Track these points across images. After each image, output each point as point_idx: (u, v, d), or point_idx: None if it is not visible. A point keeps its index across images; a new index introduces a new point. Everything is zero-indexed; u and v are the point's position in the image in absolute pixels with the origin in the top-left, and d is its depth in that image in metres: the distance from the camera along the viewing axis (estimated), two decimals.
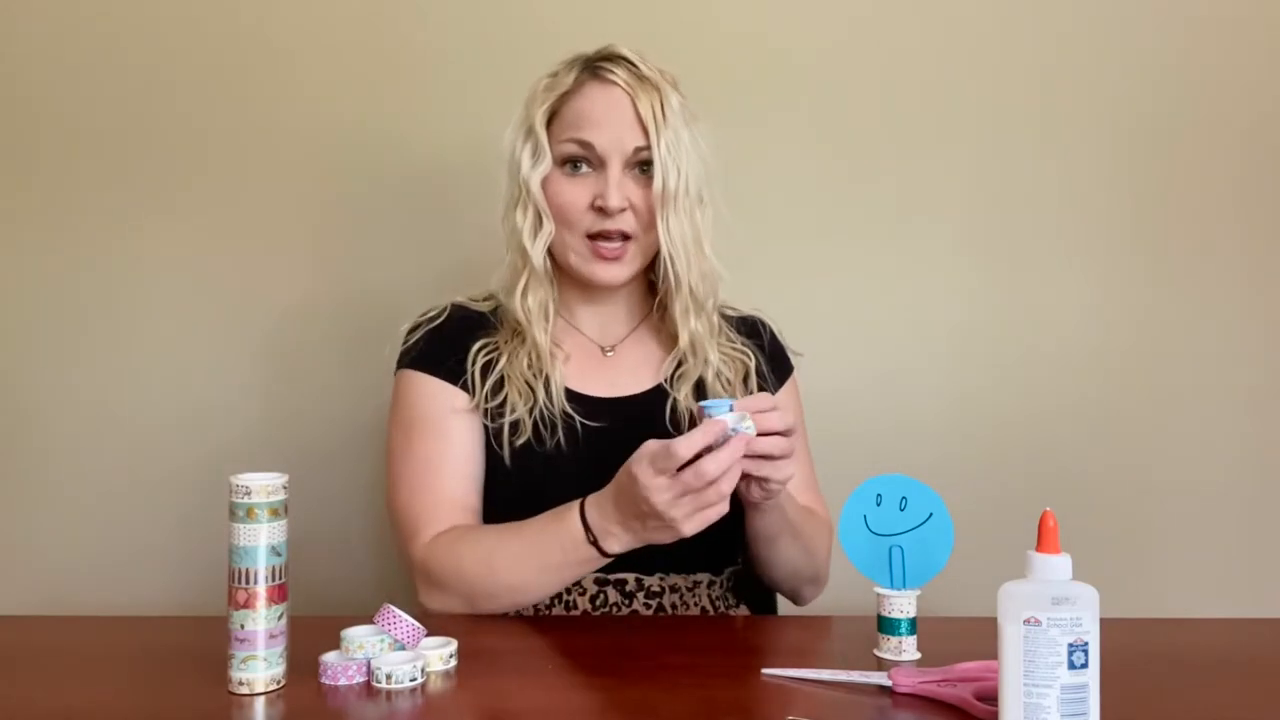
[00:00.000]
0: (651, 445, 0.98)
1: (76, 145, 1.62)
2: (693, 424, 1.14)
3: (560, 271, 1.24)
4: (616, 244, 1.18)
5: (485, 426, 1.20)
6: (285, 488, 0.88)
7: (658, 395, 1.23)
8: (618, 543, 1.05)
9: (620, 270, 1.20)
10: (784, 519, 1.12)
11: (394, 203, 1.63)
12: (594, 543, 1.05)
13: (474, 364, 1.21)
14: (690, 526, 0.99)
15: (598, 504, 1.05)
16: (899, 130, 1.64)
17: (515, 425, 1.18)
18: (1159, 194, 1.65)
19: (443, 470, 1.18)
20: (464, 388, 1.20)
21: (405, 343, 1.25)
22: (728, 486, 0.97)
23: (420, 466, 1.19)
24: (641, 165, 1.18)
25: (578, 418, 1.19)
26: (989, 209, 1.65)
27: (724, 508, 0.99)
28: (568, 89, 1.19)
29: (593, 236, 1.18)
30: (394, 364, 1.26)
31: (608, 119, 1.17)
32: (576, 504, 1.06)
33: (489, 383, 1.20)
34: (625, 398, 1.23)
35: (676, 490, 0.97)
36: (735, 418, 0.98)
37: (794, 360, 1.34)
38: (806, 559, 1.20)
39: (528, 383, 1.19)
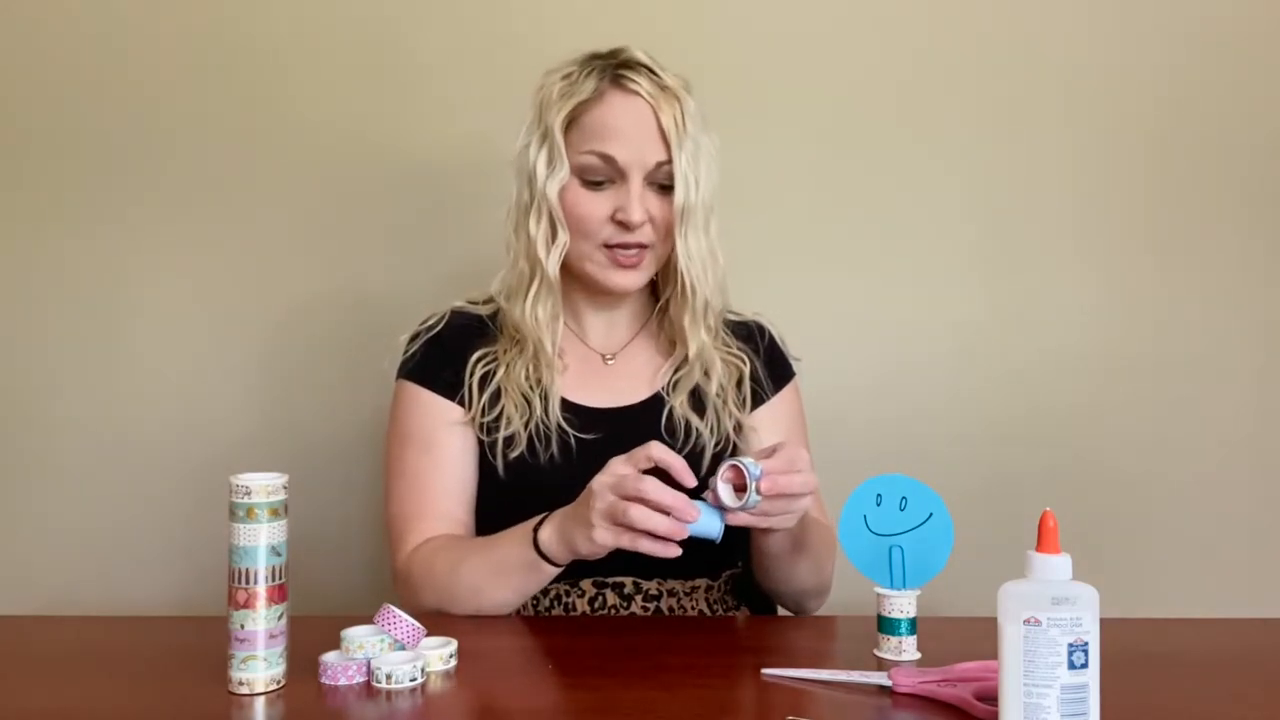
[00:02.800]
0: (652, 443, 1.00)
1: (75, 149, 1.62)
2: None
3: (569, 278, 1.23)
4: (634, 252, 1.18)
5: (480, 440, 1.20)
6: (285, 488, 0.88)
7: (655, 404, 1.23)
8: (548, 534, 1.03)
9: (637, 277, 1.20)
10: (793, 537, 1.10)
11: (394, 206, 1.63)
12: (535, 532, 1.04)
13: (472, 375, 1.21)
14: (601, 531, 0.97)
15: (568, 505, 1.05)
16: (903, 129, 1.64)
17: (510, 439, 1.17)
18: (1162, 193, 1.65)
19: (431, 484, 1.19)
20: (460, 401, 1.21)
21: (405, 352, 1.25)
22: (638, 515, 0.94)
23: (410, 480, 1.19)
24: (661, 178, 1.17)
25: (573, 431, 1.18)
26: (992, 209, 1.65)
27: (634, 542, 0.96)
28: (587, 97, 1.16)
29: (610, 246, 1.18)
30: (393, 373, 1.26)
31: (631, 132, 1.16)
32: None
33: (486, 395, 1.19)
34: (622, 408, 1.23)
35: (614, 480, 0.97)
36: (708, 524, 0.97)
37: (795, 365, 1.33)
38: (815, 575, 1.19)
39: (524, 395, 1.19)
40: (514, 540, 1.07)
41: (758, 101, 1.62)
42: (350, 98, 1.62)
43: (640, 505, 0.95)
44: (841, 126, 1.64)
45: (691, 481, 0.98)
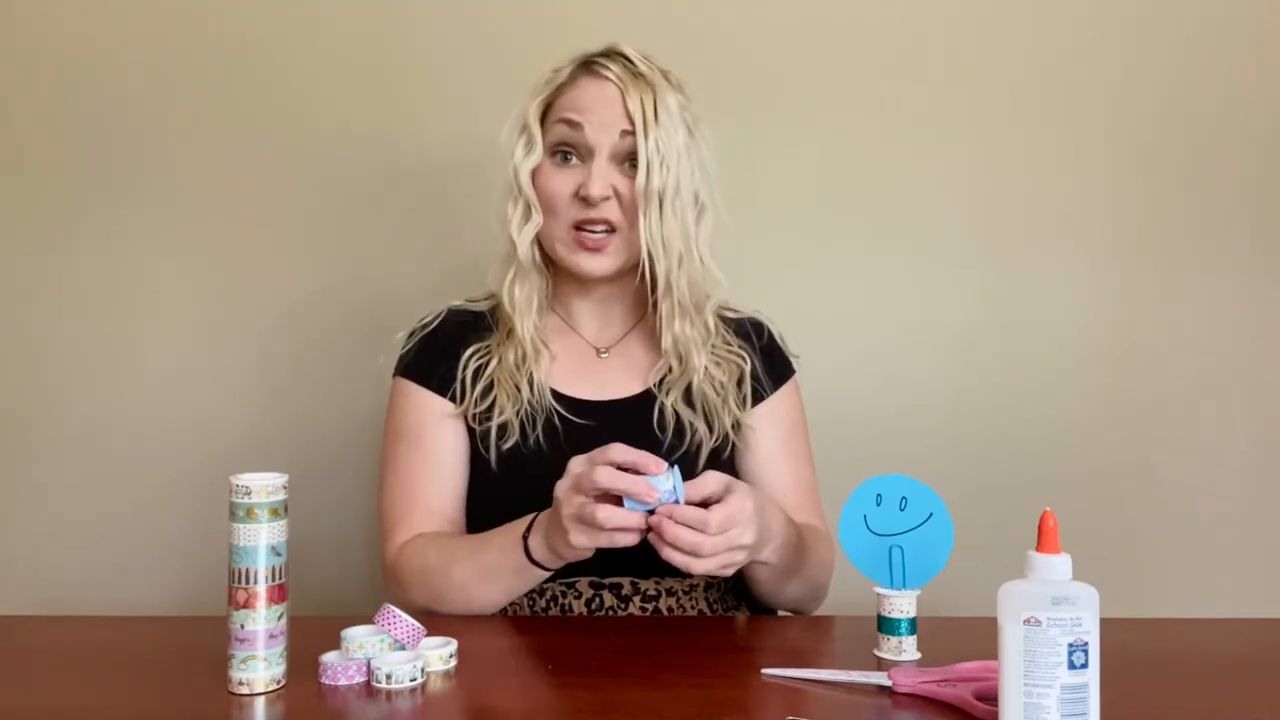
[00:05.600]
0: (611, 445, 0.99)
1: (73, 148, 1.62)
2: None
3: (555, 265, 1.24)
4: (600, 234, 1.18)
5: (473, 431, 1.20)
6: (285, 488, 0.88)
7: (645, 400, 1.23)
8: (536, 540, 1.04)
9: (604, 261, 1.19)
10: (777, 567, 1.09)
11: (395, 204, 1.63)
12: (525, 537, 1.05)
13: (465, 369, 1.21)
14: (575, 534, 0.98)
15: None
16: (902, 129, 1.64)
17: (503, 428, 1.18)
18: (1161, 192, 1.65)
19: (422, 480, 1.20)
20: (453, 396, 1.21)
21: (401, 349, 1.27)
22: (604, 516, 0.95)
23: (402, 475, 1.21)
24: (631, 159, 1.18)
25: (562, 422, 1.19)
26: (991, 208, 1.64)
27: (616, 539, 0.97)
28: (562, 82, 1.20)
29: (577, 226, 1.18)
30: (390, 370, 1.27)
31: (596, 108, 1.17)
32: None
33: (479, 387, 1.20)
34: (612, 401, 1.23)
35: (573, 481, 0.99)
36: (668, 489, 0.96)
37: (794, 362, 1.32)
38: (804, 589, 1.19)
39: (515, 384, 1.20)
40: (503, 545, 1.08)
41: (757, 101, 1.62)
42: (349, 98, 1.62)
43: (605, 505, 0.95)
44: (841, 126, 1.64)
45: (660, 469, 0.97)
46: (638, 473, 0.96)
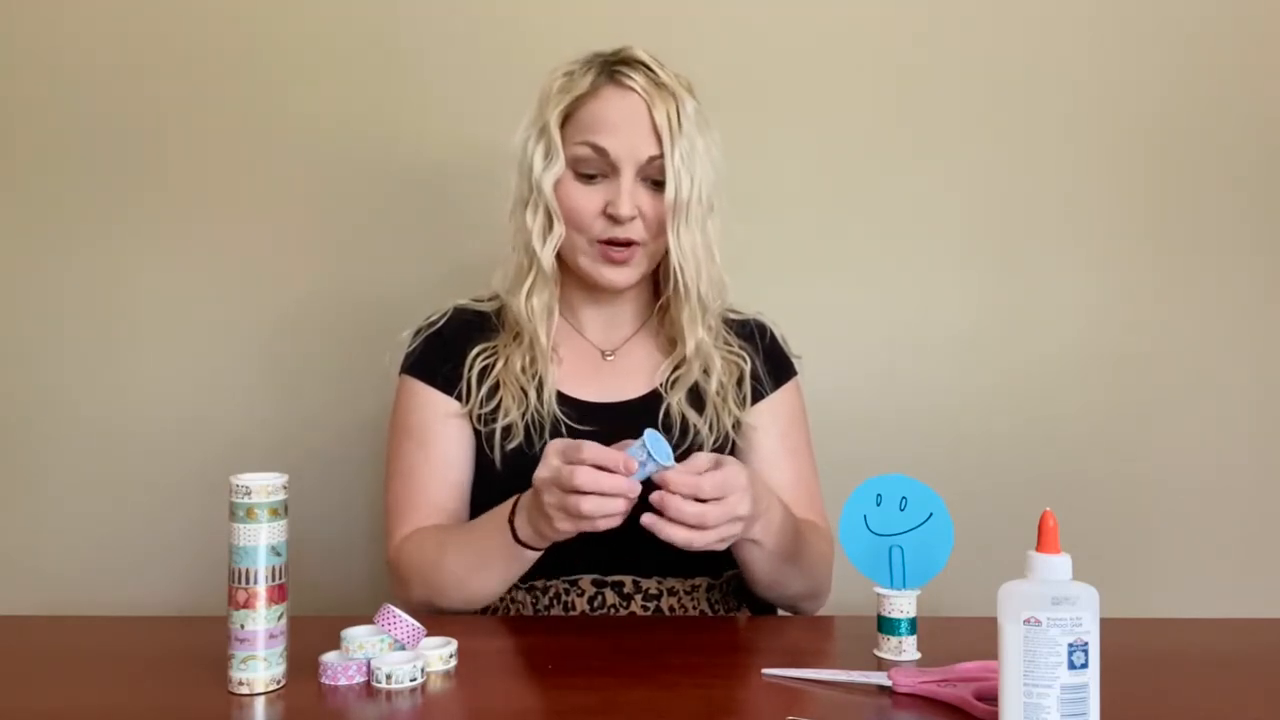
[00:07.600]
0: (582, 442, 0.99)
1: (73, 148, 1.62)
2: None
3: (566, 272, 1.24)
4: (624, 249, 1.18)
5: (478, 431, 1.21)
6: (285, 488, 0.88)
7: (652, 400, 1.23)
8: (521, 521, 1.04)
9: (628, 273, 1.20)
10: (767, 551, 1.10)
11: (397, 205, 1.63)
12: (511, 520, 1.05)
13: (471, 369, 1.22)
14: (561, 522, 0.98)
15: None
16: (902, 129, 1.64)
17: (508, 429, 1.18)
18: (1161, 195, 1.65)
19: (425, 477, 1.20)
20: (458, 395, 1.22)
21: (407, 347, 1.27)
22: (590, 507, 0.95)
23: (406, 472, 1.21)
24: (654, 173, 1.17)
25: (568, 423, 1.19)
26: (992, 210, 1.64)
27: (598, 524, 0.97)
28: (584, 91, 1.18)
29: (602, 241, 1.18)
30: (395, 369, 1.28)
31: (623, 126, 1.16)
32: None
33: (484, 388, 1.20)
34: (619, 403, 1.23)
35: (551, 473, 0.98)
36: (641, 457, 0.96)
37: (796, 363, 1.32)
38: (803, 582, 1.18)
39: (521, 387, 1.20)
40: (491, 530, 1.08)
41: (758, 104, 1.62)
42: (352, 98, 1.62)
43: (590, 497, 0.95)
44: (841, 128, 1.64)
45: (632, 470, 0.96)
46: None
